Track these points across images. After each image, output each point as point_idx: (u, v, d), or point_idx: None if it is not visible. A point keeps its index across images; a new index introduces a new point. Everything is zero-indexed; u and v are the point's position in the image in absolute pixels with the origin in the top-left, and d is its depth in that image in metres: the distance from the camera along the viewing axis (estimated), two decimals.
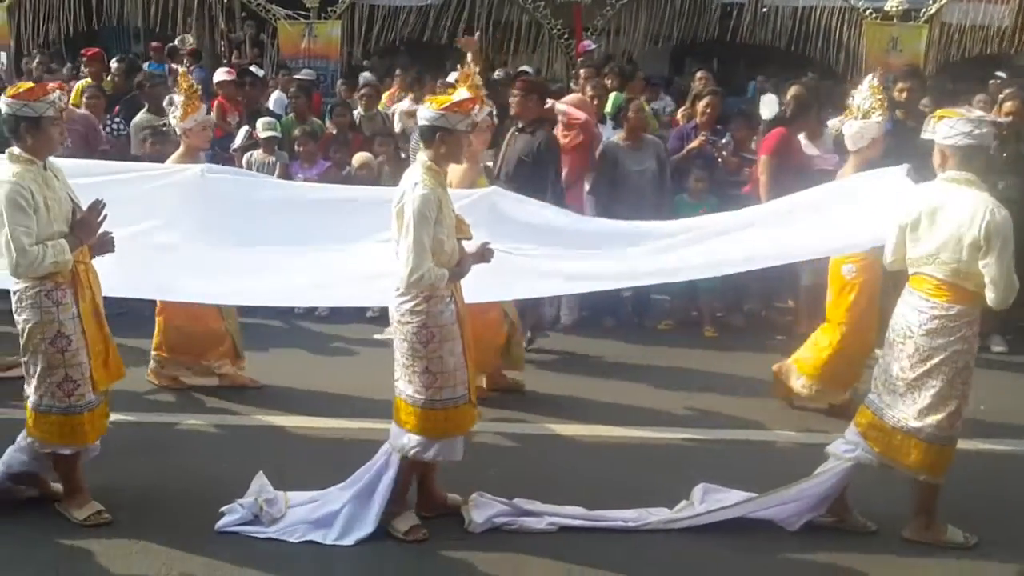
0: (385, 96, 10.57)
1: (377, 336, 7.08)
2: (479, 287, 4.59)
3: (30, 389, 4.30)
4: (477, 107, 4.48)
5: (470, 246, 4.40)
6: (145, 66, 11.06)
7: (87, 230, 4.26)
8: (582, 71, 9.68)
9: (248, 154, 7.95)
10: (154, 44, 13.27)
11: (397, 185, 4.39)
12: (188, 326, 5.97)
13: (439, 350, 4.22)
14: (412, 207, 4.08)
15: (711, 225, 5.40)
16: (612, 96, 9.12)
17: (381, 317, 7.19)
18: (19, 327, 4.26)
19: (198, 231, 5.20)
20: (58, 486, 4.56)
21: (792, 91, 7.78)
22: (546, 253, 5.26)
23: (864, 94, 5.54)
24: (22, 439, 4.42)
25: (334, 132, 8.85)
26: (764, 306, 8.01)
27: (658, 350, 7.18)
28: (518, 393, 6.17)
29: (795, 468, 4.61)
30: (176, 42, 13.25)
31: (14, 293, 4.24)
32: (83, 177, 4.80)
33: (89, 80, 9.71)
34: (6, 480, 4.48)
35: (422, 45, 13.94)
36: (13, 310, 4.26)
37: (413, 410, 4.27)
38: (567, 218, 5.74)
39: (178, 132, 5.92)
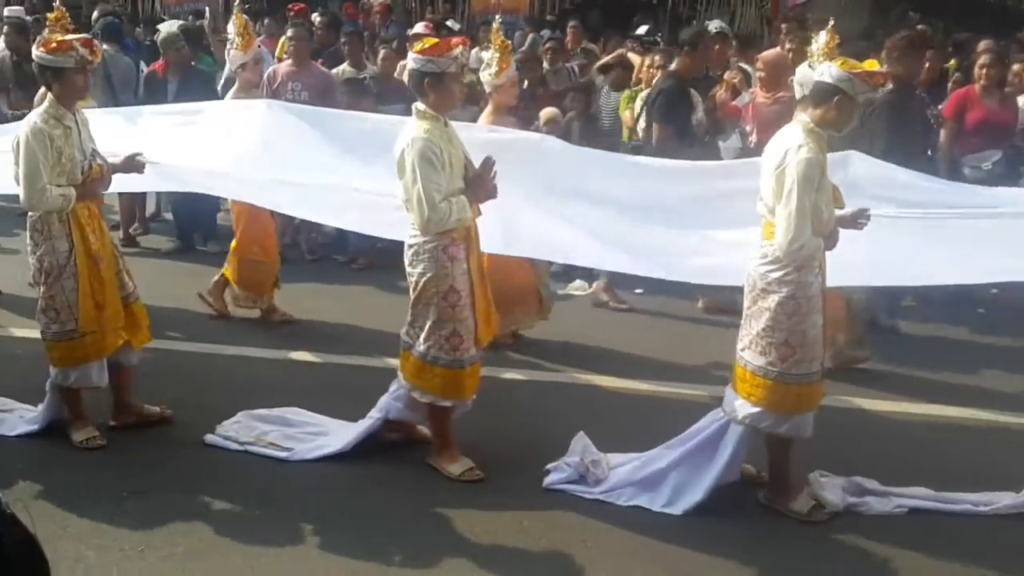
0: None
1: (560, 291, 7.15)
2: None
3: (418, 340, 4.35)
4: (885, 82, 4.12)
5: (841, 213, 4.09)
6: None
7: (483, 187, 4.29)
8: (783, 25, 9.31)
9: None
10: (347, 5, 13.66)
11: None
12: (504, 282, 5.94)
13: (803, 323, 3.97)
14: (796, 171, 3.81)
15: None
16: None
17: (562, 272, 7.31)
18: (412, 280, 4.31)
19: (548, 192, 5.09)
20: (425, 431, 4.68)
21: (982, 46, 7.43)
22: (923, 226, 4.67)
23: None
24: (396, 387, 4.53)
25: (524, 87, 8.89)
26: None
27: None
28: None
29: None
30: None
31: (410, 247, 4.29)
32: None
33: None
34: (379, 424, 4.62)
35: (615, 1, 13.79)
36: (407, 263, 4.33)
37: (762, 382, 4.03)
38: (934, 184, 5.15)
39: (487, 89, 5.82)
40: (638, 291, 7.24)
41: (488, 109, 5.89)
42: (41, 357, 4.80)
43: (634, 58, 9.18)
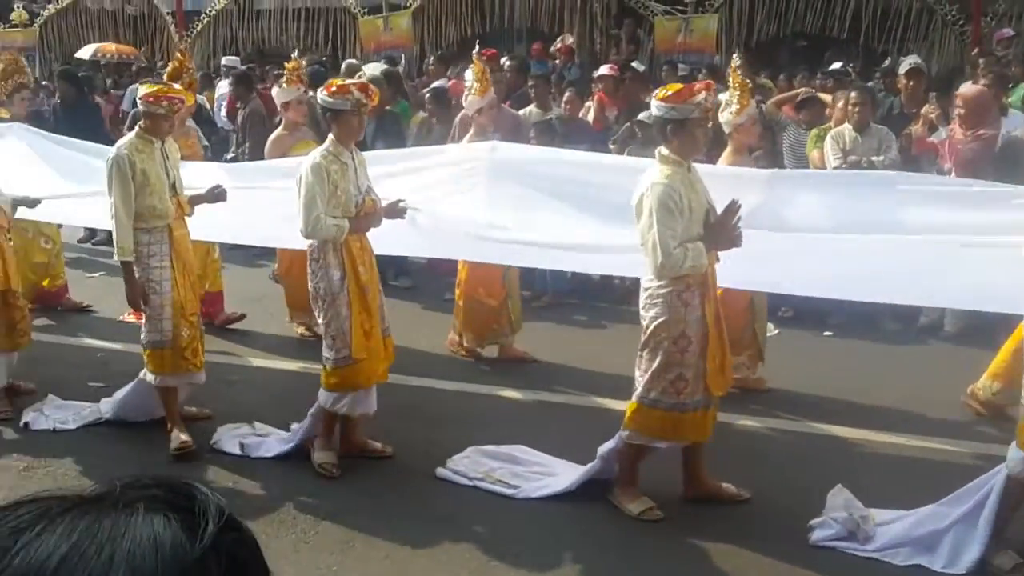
0: None
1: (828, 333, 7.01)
2: None
3: (642, 384, 4.34)
4: None
5: None
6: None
7: (722, 234, 4.23)
8: (980, 60, 8.92)
9: (629, 147, 8.18)
10: (535, 46, 14.02)
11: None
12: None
13: None
14: None
15: None
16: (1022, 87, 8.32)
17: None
18: (644, 322, 4.33)
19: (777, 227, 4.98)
20: (732, 490, 4.63)
21: None
22: None
23: None
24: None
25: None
26: None
27: None
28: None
29: None
30: (558, 42, 13.94)
31: (645, 290, 4.32)
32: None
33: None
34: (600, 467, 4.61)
35: (804, 38, 13.55)
36: (641, 306, 4.36)
37: None
38: None
39: (727, 129, 5.65)
40: (827, 334, 7.05)
41: (728, 150, 5.73)
42: (253, 385, 5.10)
43: (824, 96, 8.98)
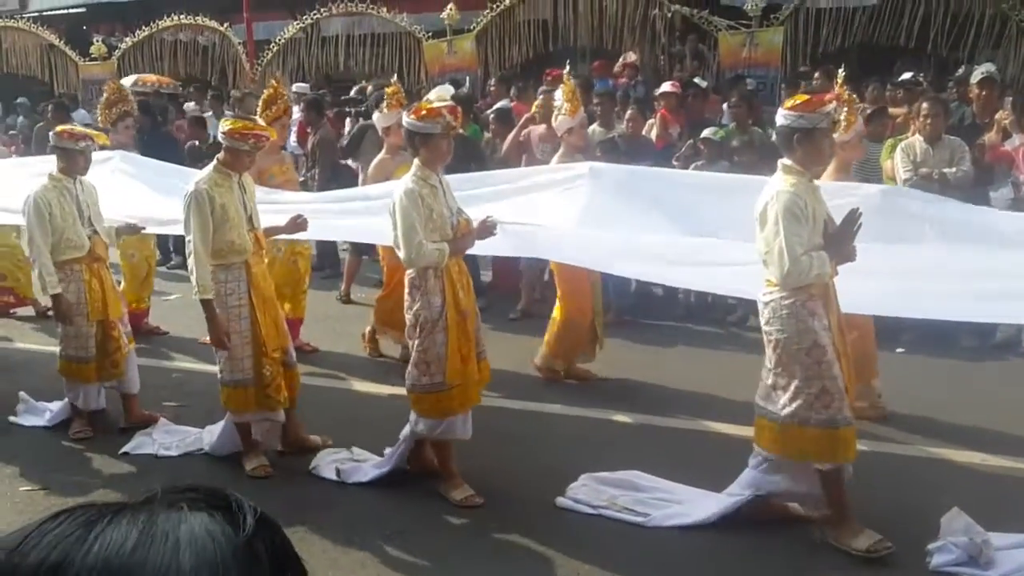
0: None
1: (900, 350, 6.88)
2: None
3: (782, 402, 4.18)
4: None
5: None
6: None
7: (843, 243, 4.11)
8: None
9: (694, 164, 8.15)
10: (596, 63, 14.03)
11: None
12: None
13: None
14: None
15: None
16: None
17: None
18: (771, 338, 4.19)
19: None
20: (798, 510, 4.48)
21: None
22: None
23: None
24: (757, 459, 4.36)
25: None
26: None
27: None
28: None
29: None
30: (621, 60, 13.92)
31: (766, 304, 4.19)
32: None
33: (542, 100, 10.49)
34: (748, 502, 4.43)
35: (870, 48, 13.30)
36: (763, 321, 4.23)
37: None
38: None
39: None
40: (899, 351, 6.90)
41: (831, 167, 5.43)
42: (323, 405, 5.13)
43: (895, 110, 8.82)
